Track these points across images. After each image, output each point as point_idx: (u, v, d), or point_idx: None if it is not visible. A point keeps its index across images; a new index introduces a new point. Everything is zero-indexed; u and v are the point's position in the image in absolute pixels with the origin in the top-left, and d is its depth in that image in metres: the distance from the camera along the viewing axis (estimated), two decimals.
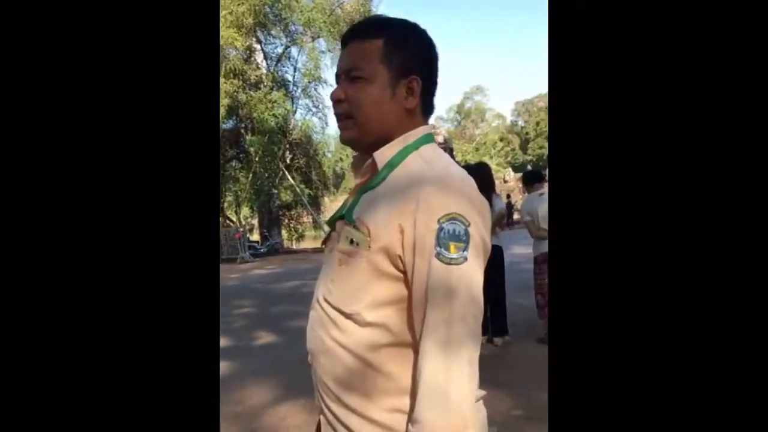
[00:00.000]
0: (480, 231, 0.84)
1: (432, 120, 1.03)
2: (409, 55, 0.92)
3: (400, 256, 0.83)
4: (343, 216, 0.93)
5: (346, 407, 0.90)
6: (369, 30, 0.93)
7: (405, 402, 0.87)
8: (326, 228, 1.09)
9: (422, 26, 0.97)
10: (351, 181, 1.11)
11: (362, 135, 0.93)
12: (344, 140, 0.96)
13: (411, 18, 0.97)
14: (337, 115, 0.95)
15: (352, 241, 0.87)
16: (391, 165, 0.91)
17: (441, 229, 0.80)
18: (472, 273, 0.82)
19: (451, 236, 0.80)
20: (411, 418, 0.82)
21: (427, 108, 0.97)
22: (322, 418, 0.99)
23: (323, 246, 1.02)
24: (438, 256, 0.80)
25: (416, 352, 0.85)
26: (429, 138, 0.96)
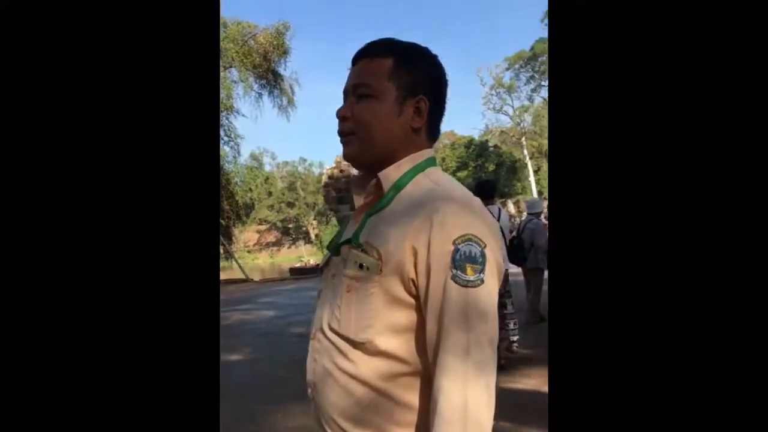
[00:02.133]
0: (495, 253, 0.82)
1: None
2: (418, 74, 0.92)
3: (413, 280, 0.81)
4: (349, 241, 0.89)
5: None
6: (379, 49, 0.93)
7: None
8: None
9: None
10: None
11: (364, 151, 0.92)
12: (346, 156, 0.94)
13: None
14: (340, 132, 0.93)
15: (361, 266, 0.84)
16: (398, 187, 0.89)
17: (457, 250, 0.78)
18: (488, 296, 0.80)
19: (467, 258, 0.79)
20: None
21: (433, 132, 0.96)
22: None
23: (320, 273, 0.99)
24: (454, 278, 0.78)
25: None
26: (433, 161, 0.95)
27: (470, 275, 0.78)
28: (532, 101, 38.71)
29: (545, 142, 42.69)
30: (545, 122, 40.81)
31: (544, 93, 37.43)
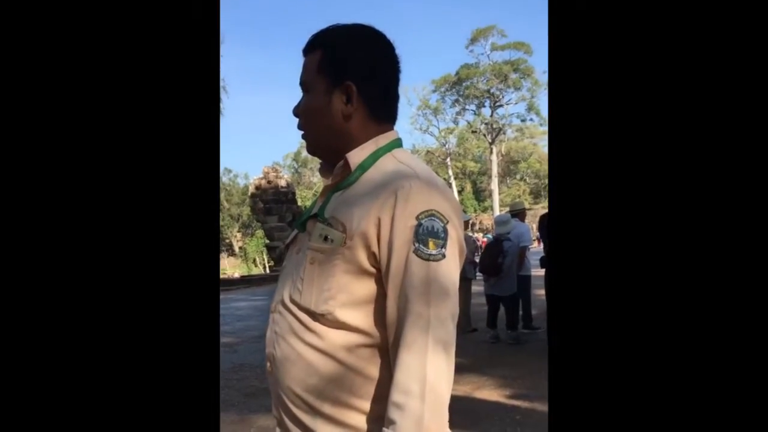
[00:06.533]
0: (457, 230, 0.84)
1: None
2: (344, 61, 0.92)
3: (375, 252, 0.82)
4: (315, 215, 0.91)
5: (319, 415, 0.85)
6: (311, 44, 0.96)
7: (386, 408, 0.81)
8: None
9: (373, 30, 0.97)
10: None
11: (312, 145, 0.97)
12: (308, 152, 1.01)
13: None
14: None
15: (326, 238, 0.85)
16: (363, 167, 0.91)
17: (419, 225, 0.80)
18: (449, 271, 0.81)
19: (429, 233, 0.80)
20: (385, 420, 0.78)
21: (382, 113, 0.95)
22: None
23: (286, 249, 1.01)
24: (416, 251, 0.79)
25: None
26: (399, 143, 0.96)
27: (432, 249, 0.80)
28: (456, 124, 40.27)
29: (469, 163, 44.39)
30: (468, 144, 42.51)
31: (469, 117, 39.03)
